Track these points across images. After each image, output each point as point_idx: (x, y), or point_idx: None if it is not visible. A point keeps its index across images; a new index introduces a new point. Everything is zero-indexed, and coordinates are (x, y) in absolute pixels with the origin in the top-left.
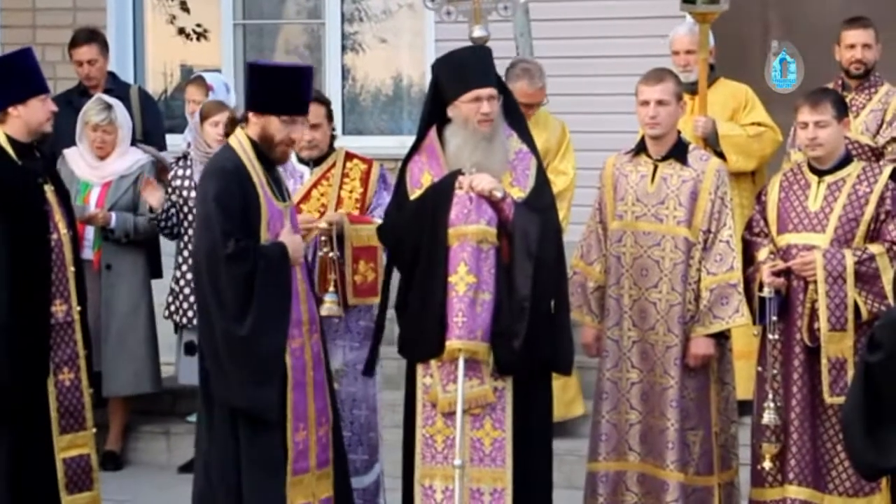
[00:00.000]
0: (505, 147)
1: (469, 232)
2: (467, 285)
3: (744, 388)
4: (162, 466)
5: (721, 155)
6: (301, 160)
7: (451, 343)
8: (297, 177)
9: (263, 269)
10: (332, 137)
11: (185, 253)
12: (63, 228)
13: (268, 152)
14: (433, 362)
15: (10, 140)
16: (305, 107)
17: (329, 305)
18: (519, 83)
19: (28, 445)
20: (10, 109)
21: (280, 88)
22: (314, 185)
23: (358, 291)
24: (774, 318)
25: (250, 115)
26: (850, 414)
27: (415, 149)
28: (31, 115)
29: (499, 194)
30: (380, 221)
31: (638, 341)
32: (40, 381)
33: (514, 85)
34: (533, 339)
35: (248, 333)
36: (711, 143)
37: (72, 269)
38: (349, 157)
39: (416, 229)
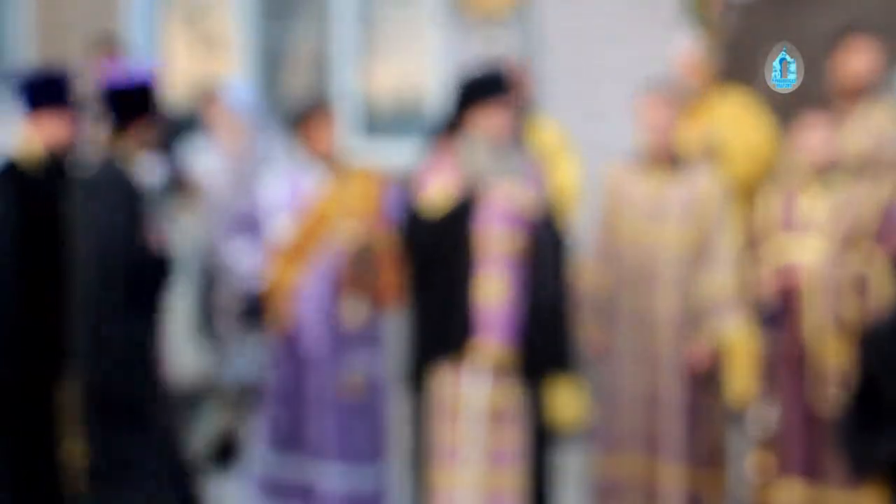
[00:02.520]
0: (521, 157)
1: (500, 240)
2: (498, 290)
3: (740, 390)
4: None
5: (726, 164)
6: (307, 164)
7: (482, 347)
8: (308, 180)
9: (162, 271)
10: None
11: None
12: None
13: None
14: (455, 365)
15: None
16: (158, 102)
17: (357, 311)
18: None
19: (32, 442)
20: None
21: (143, 93)
22: (326, 190)
23: (386, 299)
24: (771, 323)
25: (126, 126)
26: (844, 414)
27: (427, 159)
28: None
29: (523, 203)
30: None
31: (639, 347)
32: (53, 381)
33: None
34: (550, 343)
35: (149, 335)
36: (716, 152)
37: None
38: (359, 164)
39: (439, 235)
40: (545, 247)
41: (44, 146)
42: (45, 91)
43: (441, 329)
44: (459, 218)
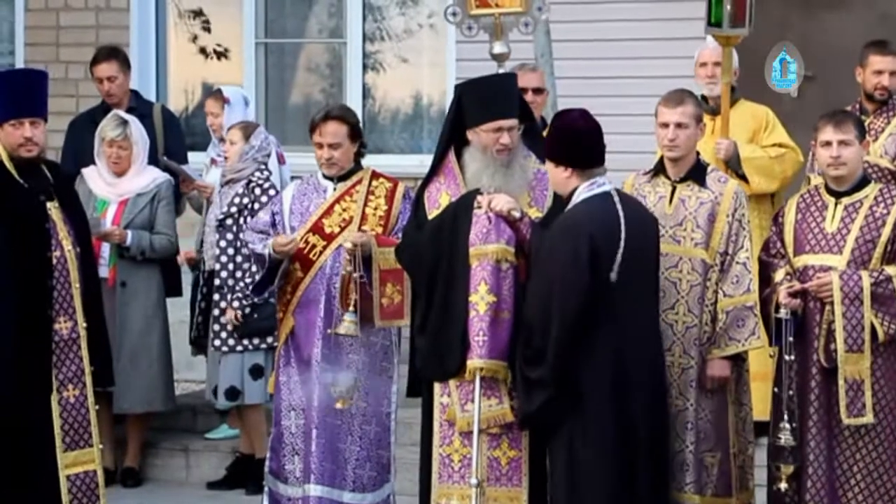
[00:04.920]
0: (523, 170)
1: (489, 251)
2: (488, 304)
3: (760, 408)
4: (181, 483)
5: (743, 177)
6: (325, 176)
7: (473, 362)
8: (321, 191)
9: None
10: (360, 154)
11: (236, 281)
12: (68, 245)
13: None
14: (451, 381)
15: (12, 159)
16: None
17: (348, 324)
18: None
19: (32, 462)
20: None
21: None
22: (337, 201)
23: (384, 314)
24: (791, 339)
25: None
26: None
27: (433, 171)
28: (6, 139)
29: (516, 214)
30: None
31: None
32: (43, 398)
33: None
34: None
35: None
36: (733, 165)
37: (77, 285)
38: (375, 175)
39: (434, 248)
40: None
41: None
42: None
43: (437, 341)
44: (454, 229)
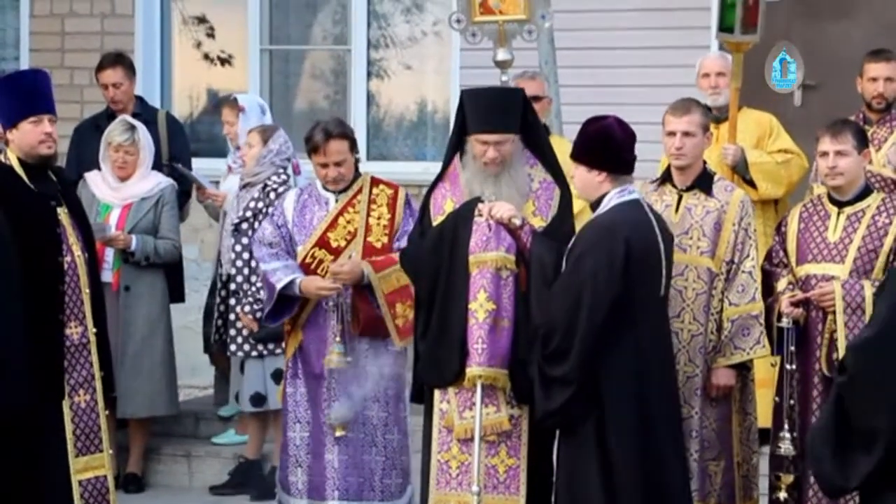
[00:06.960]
0: (518, 180)
1: (488, 259)
2: (487, 312)
3: (764, 416)
4: (184, 489)
5: (750, 182)
6: (326, 188)
7: (472, 370)
8: (323, 203)
9: None
10: (356, 161)
11: (250, 286)
12: (77, 251)
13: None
14: (450, 388)
15: (23, 163)
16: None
17: (334, 357)
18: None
19: (44, 468)
20: (7, 133)
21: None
22: (340, 213)
23: (402, 333)
24: (793, 348)
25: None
26: (819, 435)
27: (440, 177)
28: (23, 139)
29: (517, 222)
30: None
31: None
32: (55, 404)
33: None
34: None
35: None
36: (740, 170)
37: (87, 290)
38: (375, 182)
39: (435, 256)
40: (545, 267)
41: (23, 155)
42: (8, 102)
43: (437, 348)
44: (454, 236)
